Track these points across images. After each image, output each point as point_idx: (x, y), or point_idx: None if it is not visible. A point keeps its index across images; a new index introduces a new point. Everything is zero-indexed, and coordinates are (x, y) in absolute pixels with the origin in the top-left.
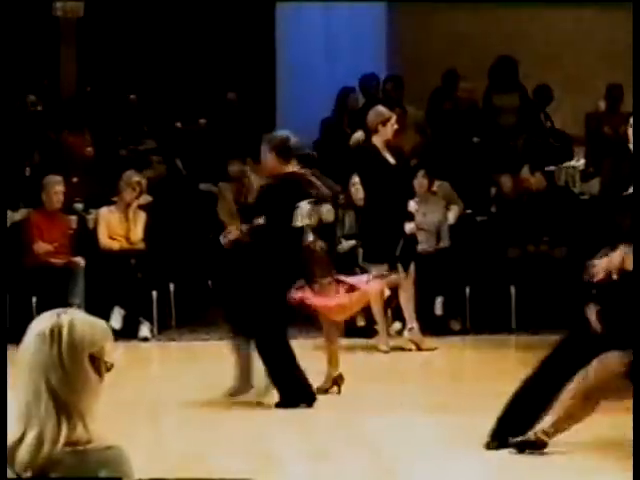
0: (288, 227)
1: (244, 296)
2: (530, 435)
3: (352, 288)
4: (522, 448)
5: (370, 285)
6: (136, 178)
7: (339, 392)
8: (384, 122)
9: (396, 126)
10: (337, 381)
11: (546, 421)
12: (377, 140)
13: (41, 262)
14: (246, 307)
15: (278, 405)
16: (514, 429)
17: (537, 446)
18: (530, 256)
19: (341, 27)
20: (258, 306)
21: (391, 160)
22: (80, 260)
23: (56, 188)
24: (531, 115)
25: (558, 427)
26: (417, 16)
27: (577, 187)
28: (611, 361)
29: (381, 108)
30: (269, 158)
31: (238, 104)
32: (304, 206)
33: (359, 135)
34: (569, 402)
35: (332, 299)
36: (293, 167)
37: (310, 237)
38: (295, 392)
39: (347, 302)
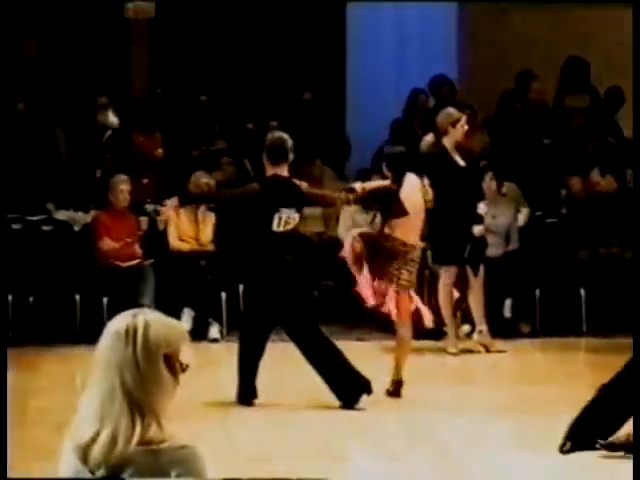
0: (267, 230)
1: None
2: (620, 437)
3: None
4: (613, 449)
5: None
6: (205, 179)
7: (395, 396)
8: (454, 123)
9: (466, 127)
10: (396, 385)
11: None
12: (447, 141)
13: (111, 263)
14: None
15: (342, 407)
16: (594, 432)
17: (629, 448)
18: (600, 258)
19: (411, 28)
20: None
21: (460, 162)
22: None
23: (122, 187)
24: (601, 117)
25: None
26: (488, 17)
27: None
28: None
29: (451, 109)
30: (264, 158)
31: (313, 104)
32: (283, 212)
33: (430, 138)
34: None
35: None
36: (282, 171)
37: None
38: (349, 387)
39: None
